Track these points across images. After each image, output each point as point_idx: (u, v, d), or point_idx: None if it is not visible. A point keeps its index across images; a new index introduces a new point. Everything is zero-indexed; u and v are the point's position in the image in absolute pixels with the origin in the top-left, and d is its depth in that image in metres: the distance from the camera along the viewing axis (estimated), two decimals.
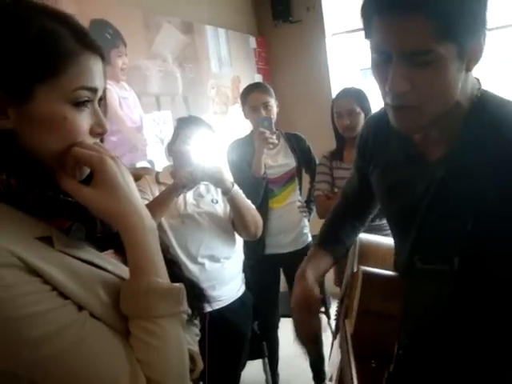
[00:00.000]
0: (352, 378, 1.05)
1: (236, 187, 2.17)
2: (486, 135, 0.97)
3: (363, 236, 1.49)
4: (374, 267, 1.28)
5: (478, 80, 1.03)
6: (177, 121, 2.36)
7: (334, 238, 1.46)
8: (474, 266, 0.99)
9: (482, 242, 0.96)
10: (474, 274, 0.99)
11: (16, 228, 0.70)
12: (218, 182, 2.10)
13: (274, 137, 2.69)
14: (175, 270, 0.88)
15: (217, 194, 2.28)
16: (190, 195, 2.22)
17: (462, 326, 1.05)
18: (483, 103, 1.00)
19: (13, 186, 0.71)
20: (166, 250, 0.90)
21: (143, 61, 3.09)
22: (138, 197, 0.79)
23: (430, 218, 1.06)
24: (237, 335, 2.32)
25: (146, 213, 0.79)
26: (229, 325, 2.21)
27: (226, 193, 2.13)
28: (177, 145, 2.21)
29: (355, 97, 2.64)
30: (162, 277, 0.77)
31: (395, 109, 0.97)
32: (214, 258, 2.21)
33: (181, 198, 2.18)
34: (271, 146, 2.71)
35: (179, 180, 2.06)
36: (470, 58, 0.92)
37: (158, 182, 2.22)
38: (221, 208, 2.27)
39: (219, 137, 3.35)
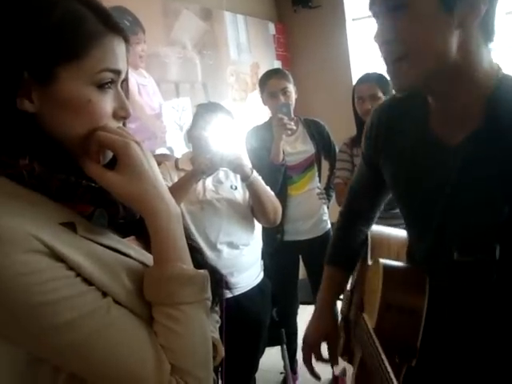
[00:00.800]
0: (387, 373, 1.02)
1: (255, 173, 2.15)
2: (511, 116, 0.94)
3: (374, 228, 1.47)
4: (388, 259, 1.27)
5: (497, 64, 1.01)
6: (196, 107, 2.35)
7: (346, 251, 1.45)
8: None
9: None
10: None
11: (40, 213, 0.70)
12: (236, 167, 2.09)
13: (293, 123, 2.67)
14: (197, 256, 0.87)
15: (236, 181, 2.27)
16: (209, 181, 2.22)
17: (503, 318, 1.02)
18: (506, 85, 0.97)
19: (36, 171, 0.71)
20: (188, 237, 0.90)
21: (162, 48, 3.09)
22: (163, 182, 0.79)
23: (454, 205, 1.02)
24: (255, 322, 2.31)
25: (170, 198, 0.78)
26: (246, 312, 2.21)
27: (245, 179, 2.12)
28: (196, 131, 2.20)
29: (377, 81, 2.60)
30: (187, 263, 0.77)
31: (388, 64, 0.98)
32: (232, 245, 2.21)
33: (200, 184, 2.18)
34: (289, 133, 2.69)
35: (198, 166, 2.05)
36: (462, 13, 0.90)
37: (178, 169, 2.22)
38: (240, 194, 2.26)
39: (238, 123, 3.35)
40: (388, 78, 2.23)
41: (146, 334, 0.72)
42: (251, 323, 2.29)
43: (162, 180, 0.79)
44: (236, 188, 2.26)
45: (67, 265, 0.68)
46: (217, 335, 0.91)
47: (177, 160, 2.30)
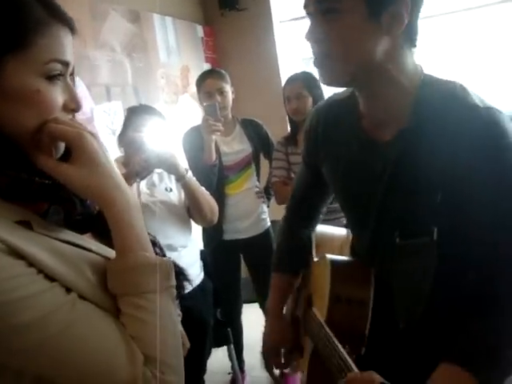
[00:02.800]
0: (343, 358, 1.04)
1: (190, 173, 2.14)
2: (435, 112, 1.01)
3: (317, 227, 1.50)
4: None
5: (420, 66, 1.08)
6: (127, 110, 2.31)
7: (291, 257, 1.47)
8: (451, 236, 1.01)
9: (454, 212, 0.99)
10: (453, 244, 1.01)
11: None
12: (171, 167, 2.07)
13: (219, 124, 2.61)
14: (156, 249, 0.86)
15: (170, 182, 2.25)
16: (143, 185, 2.18)
17: (448, 302, 1.06)
18: (428, 84, 1.05)
19: None
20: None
21: (91, 51, 3.01)
22: (118, 172, 0.77)
23: (393, 193, 1.08)
24: (199, 323, 2.29)
25: (127, 188, 0.77)
26: (189, 313, 2.16)
27: (180, 179, 2.10)
28: (128, 134, 2.16)
29: (303, 80, 2.69)
30: (149, 252, 0.76)
31: (316, 61, 1.04)
32: (170, 247, 2.17)
33: (134, 188, 2.12)
34: (218, 133, 2.65)
35: (132, 167, 2.02)
36: (388, 22, 0.97)
37: None
38: (175, 196, 2.24)
39: (170, 125, 3.31)
40: (315, 76, 2.33)
41: (115, 326, 0.70)
42: (195, 324, 2.25)
43: (118, 170, 0.77)
44: (171, 190, 2.24)
45: (28, 261, 0.65)
46: (180, 327, 0.90)
47: None
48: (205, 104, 2.70)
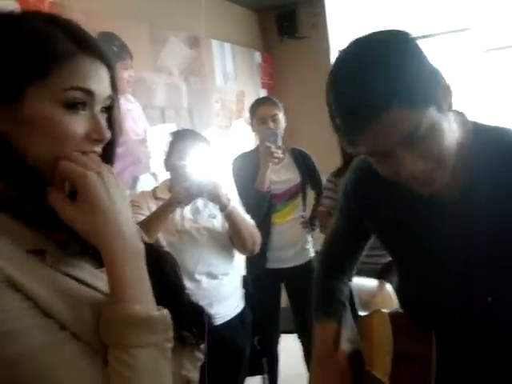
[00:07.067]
0: None
1: (233, 203, 2.13)
2: (497, 163, 0.98)
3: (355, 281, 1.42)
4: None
5: (461, 113, 1.03)
6: (171, 135, 2.29)
7: (334, 302, 1.34)
8: None
9: None
10: None
11: (8, 240, 0.68)
12: (214, 197, 2.06)
13: (280, 151, 2.67)
14: (178, 295, 0.84)
15: (215, 209, 2.23)
16: (187, 211, 2.19)
17: None
18: (480, 133, 1.01)
19: (11, 195, 0.69)
20: (173, 273, 0.87)
21: (149, 74, 3.10)
22: (126, 216, 0.74)
23: (473, 253, 1.03)
24: (235, 352, 2.28)
25: (130, 234, 0.73)
26: (227, 342, 2.16)
27: (223, 209, 2.10)
28: (172, 159, 2.17)
29: None
30: (144, 303, 0.71)
31: (420, 181, 0.96)
32: (211, 275, 2.18)
33: (178, 213, 2.15)
34: (276, 161, 2.70)
35: (175, 196, 2.03)
36: (446, 102, 0.93)
37: (156, 197, 2.19)
38: (219, 223, 2.23)
39: (220, 151, 3.34)
40: None
41: (98, 375, 0.68)
42: (231, 353, 2.25)
43: (127, 213, 0.74)
44: (215, 216, 2.23)
45: (25, 295, 0.65)
46: (193, 374, 0.85)
47: (155, 188, 2.27)
48: (268, 131, 2.72)
